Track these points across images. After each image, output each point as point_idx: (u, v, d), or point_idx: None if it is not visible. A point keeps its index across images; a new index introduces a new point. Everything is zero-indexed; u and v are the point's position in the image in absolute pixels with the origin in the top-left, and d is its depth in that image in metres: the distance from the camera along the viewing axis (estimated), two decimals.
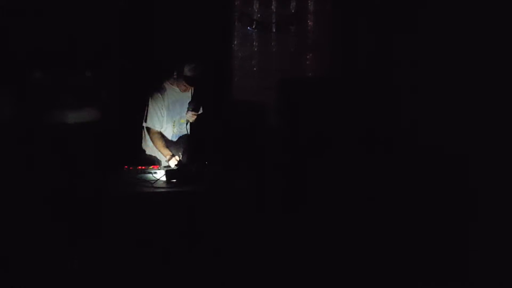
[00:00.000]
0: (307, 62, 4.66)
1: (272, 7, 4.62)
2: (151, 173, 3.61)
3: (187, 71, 3.75)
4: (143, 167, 3.70)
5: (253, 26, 4.58)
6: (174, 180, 3.45)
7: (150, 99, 3.85)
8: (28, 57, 4.34)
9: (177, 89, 3.87)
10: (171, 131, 3.95)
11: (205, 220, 3.24)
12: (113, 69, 4.68)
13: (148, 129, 3.89)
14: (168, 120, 3.91)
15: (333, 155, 3.96)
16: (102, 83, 4.64)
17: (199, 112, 3.94)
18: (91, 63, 4.54)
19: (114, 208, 3.22)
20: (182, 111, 3.91)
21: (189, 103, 3.88)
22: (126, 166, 3.70)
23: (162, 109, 3.86)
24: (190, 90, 3.87)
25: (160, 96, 3.85)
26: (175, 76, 3.82)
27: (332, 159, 3.94)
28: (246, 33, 4.60)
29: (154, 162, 3.90)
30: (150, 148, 3.93)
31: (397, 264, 3.21)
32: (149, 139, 3.90)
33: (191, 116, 3.88)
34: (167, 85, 3.86)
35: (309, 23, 4.62)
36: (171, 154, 3.78)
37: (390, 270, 3.18)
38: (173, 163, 3.76)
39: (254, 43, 4.61)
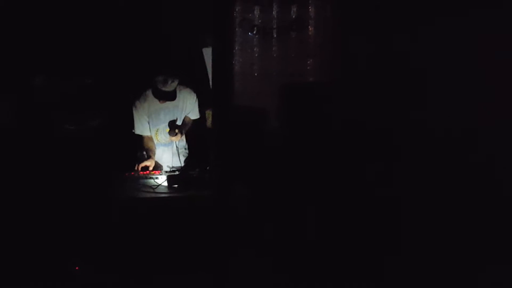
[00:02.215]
0: (308, 67, 4.66)
1: (273, 12, 4.62)
2: (152, 178, 3.62)
3: (158, 85, 3.75)
4: (145, 172, 3.73)
5: (254, 32, 4.59)
6: (176, 185, 3.47)
7: (133, 108, 3.90)
8: (29, 63, 4.36)
9: (156, 100, 3.89)
10: (155, 139, 3.98)
11: (207, 225, 3.24)
12: (115, 74, 4.69)
13: (141, 136, 3.95)
14: (151, 128, 3.93)
15: (335, 159, 3.96)
16: (104, 89, 4.65)
17: (182, 134, 3.95)
18: (91, 69, 4.56)
19: (117, 214, 3.24)
20: (168, 120, 3.93)
21: (169, 123, 3.92)
22: (126, 174, 3.73)
23: (144, 115, 3.89)
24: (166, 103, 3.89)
25: (139, 103, 3.87)
26: (152, 92, 3.84)
27: (334, 163, 3.94)
28: (247, 38, 4.61)
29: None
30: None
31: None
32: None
33: (175, 138, 3.92)
34: (149, 95, 3.88)
35: (310, 28, 4.63)
36: (152, 159, 3.85)
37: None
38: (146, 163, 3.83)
39: (255, 49, 4.62)
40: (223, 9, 4.54)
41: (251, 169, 3.73)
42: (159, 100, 3.82)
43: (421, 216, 3.42)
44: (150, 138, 3.93)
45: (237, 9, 4.59)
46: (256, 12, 4.60)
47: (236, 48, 4.62)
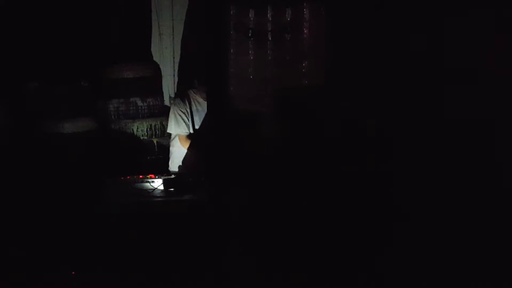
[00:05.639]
0: (303, 70, 4.67)
1: (268, 15, 4.62)
2: (148, 182, 3.62)
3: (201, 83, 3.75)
4: (140, 176, 3.72)
5: (249, 35, 4.59)
6: (172, 189, 3.46)
7: (172, 105, 3.86)
8: (24, 67, 4.35)
9: (200, 99, 3.87)
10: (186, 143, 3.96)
11: (202, 229, 3.24)
12: (111, 78, 4.69)
13: (175, 136, 3.86)
14: (189, 128, 3.90)
15: (332, 162, 3.96)
16: (99, 93, 4.65)
17: None
18: (88, 73, 4.55)
19: (112, 217, 3.23)
20: (199, 124, 3.91)
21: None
22: (122, 177, 3.72)
23: (186, 114, 3.84)
24: None
25: (181, 101, 3.84)
26: (196, 85, 3.82)
27: (331, 166, 3.94)
28: (242, 41, 4.60)
29: None
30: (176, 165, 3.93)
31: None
32: (175, 155, 3.90)
33: None
34: (190, 93, 3.87)
35: (305, 31, 4.63)
36: None
37: None
38: None
39: (250, 52, 4.62)
40: (217, 12, 4.56)
41: (247, 172, 3.73)
42: (204, 95, 3.77)
43: (422, 219, 3.42)
44: (187, 139, 3.81)
45: (231, 13, 4.59)
46: (251, 15, 4.60)
47: (231, 51, 4.62)
